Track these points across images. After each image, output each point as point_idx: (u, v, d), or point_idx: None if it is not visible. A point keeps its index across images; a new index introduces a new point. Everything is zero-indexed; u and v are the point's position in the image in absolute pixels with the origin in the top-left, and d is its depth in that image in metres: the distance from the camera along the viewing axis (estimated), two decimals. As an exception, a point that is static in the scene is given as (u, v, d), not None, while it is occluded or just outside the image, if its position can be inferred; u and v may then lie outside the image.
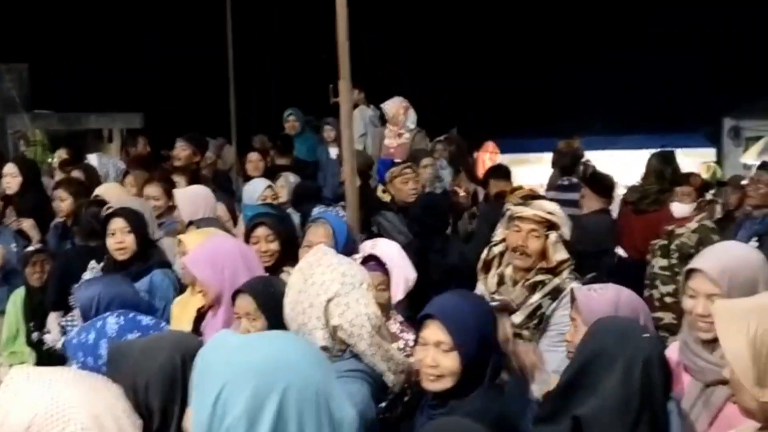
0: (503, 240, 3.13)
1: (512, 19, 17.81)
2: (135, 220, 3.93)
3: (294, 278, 2.40)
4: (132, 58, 16.53)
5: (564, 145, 9.14)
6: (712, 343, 2.19)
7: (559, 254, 2.95)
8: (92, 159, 7.04)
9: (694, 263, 2.34)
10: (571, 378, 1.90)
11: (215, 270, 3.09)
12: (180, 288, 3.86)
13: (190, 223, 4.36)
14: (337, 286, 2.33)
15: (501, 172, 6.65)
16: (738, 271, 2.22)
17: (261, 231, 3.71)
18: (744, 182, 6.68)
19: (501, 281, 3.09)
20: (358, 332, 2.35)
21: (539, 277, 2.95)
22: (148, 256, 3.96)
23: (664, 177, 6.05)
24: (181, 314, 3.49)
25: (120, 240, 3.88)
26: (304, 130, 8.63)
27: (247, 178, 6.69)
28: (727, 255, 2.35)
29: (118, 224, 3.89)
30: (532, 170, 13.78)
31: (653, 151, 14.93)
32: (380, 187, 6.96)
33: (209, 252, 3.19)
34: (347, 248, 3.39)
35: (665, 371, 1.92)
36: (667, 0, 17.92)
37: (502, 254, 3.14)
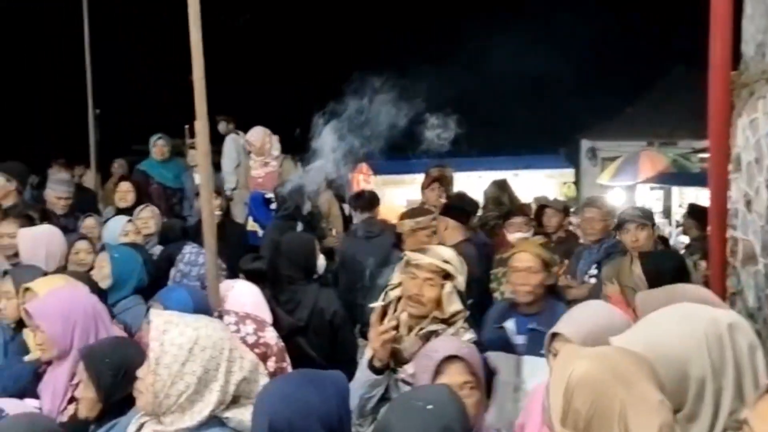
0: (400, 284, 3.07)
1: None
2: None
3: (160, 350, 2.17)
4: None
5: (436, 171, 9.28)
6: None
7: (453, 306, 2.94)
8: None
9: (558, 327, 2.39)
10: None
11: (66, 326, 2.92)
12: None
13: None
14: (228, 343, 2.26)
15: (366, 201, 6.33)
16: (602, 337, 2.17)
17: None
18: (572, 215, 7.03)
19: (396, 327, 2.99)
20: (255, 378, 2.32)
21: (433, 327, 2.93)
22: None
23: (501, 203, 6.38)
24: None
25: None
26: (172, 155, 8.37)
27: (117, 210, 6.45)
28: (591, 320, 2.39)
29: None
30: (405, 191, 14.01)
31: (517, 171, 15.58)
32: (250, 220, 6.85)
33: (61, 305, 2.98)
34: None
35: None
36: (528, 23, 18.78)
37: (399, 298, 3.07)
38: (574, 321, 2.37)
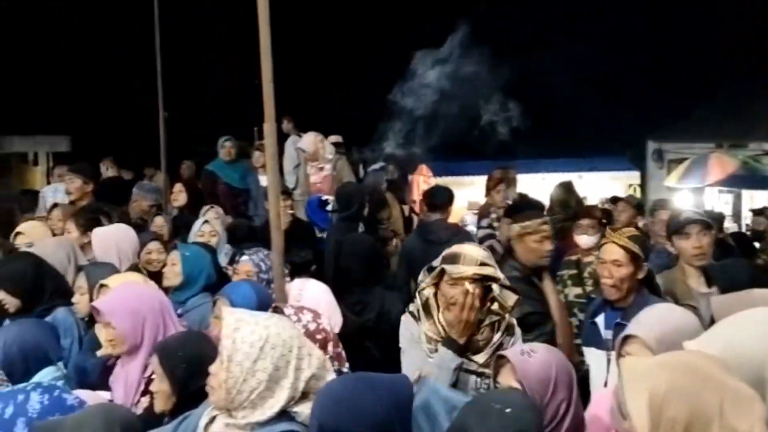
0: (434, 283, 3.10)
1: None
2: (14, 284, 3.86)
3: (233, 347, 2.22)
4: (59, 80, 16.14)
5: (500, 172, 9.24)
6: None
7: (509, 300, 3.04)
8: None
9: (631, 329, 2.35)
10: None
11: (135, 322, 3.02)
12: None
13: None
14: (297, 341, 2.31)
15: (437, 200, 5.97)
16: (676, 339, 2.19)
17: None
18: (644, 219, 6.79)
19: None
20: (322, 374, 2.36)
21: (494, 317, 3.03)
22: (49, 294, 3.92)
23: (568, 206, 6.26)
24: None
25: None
26: (238, 157, 8.54)
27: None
28: (664, 322, 2.36)
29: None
30: (466, 193, 13.93)
31: (581, 174, 15.32)
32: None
33: (129, 302, 3.09)
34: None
35: None
36: (593, 27, 18.49)
37: (434, 293, 3.11)
38: (646, 324, 2.34)
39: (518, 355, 2.34)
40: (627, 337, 2.36)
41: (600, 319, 3.49)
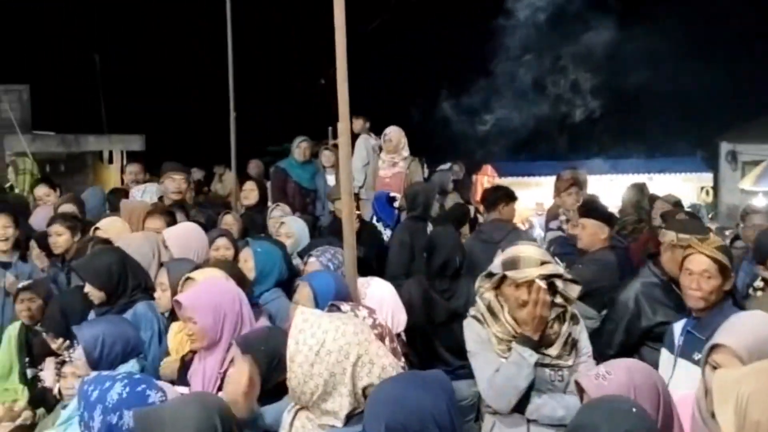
0: (496, 287, 3.17)
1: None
2: (100, 278, 3.99)
3: (295, 349, 2.27)
4: (133, 81, 16.65)
5: (570, 173, 9.11)
6: None
7: (574, 291, 3.09)
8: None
9: (719, 338, 2.28)
10: None
11: (216, 318, 3.07)
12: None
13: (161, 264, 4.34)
14: (356, 348, 2.27)
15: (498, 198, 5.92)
16: (765, 347, 2.14)
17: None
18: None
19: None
20: None
21: (559, 309, 3.10)
22: (131, 288, 4.05)
23: (641, 207, 6.13)
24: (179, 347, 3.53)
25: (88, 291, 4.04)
26: (311, 158, 8.59)
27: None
28: (756, 331, 2.28)
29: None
30: (531, 194, 13.77)
31: (651, 175, 14.93)
32: (373, 220, 6.93)
33: (212, 298, 3.14)
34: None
35: None
36: (663, 24, 18.02)
37: (495, 296, 3.18)
38: (736, 332, 2.26)
39: (592, 381, 2.31)
40: (715, 346, 2.29)
41: (677, 324, 3.43)
